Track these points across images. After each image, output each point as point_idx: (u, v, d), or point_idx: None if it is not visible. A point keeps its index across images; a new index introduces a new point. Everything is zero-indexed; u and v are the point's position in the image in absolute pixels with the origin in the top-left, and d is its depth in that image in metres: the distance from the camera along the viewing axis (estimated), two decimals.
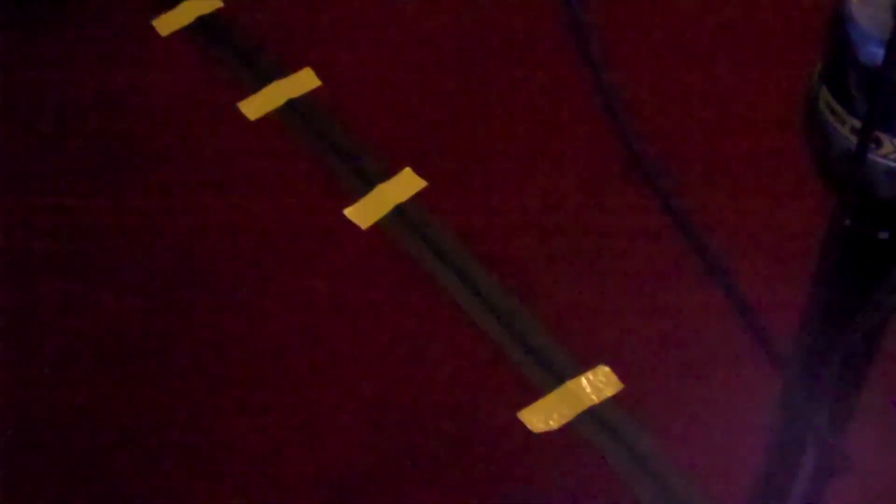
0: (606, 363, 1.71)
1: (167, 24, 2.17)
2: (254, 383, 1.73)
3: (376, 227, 1.88)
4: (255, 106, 2.04)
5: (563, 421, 1.66)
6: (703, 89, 2.05)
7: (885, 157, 0.76)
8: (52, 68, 2.13)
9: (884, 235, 0.84)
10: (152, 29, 2.17)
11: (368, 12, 2.18)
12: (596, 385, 1.69)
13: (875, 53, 0.73)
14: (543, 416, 1.66)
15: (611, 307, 1.77)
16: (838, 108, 0.78)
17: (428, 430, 1.67)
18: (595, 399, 1.68)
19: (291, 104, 2.05)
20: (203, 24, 2.17)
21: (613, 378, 1.69)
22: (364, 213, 1.90)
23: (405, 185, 1.93)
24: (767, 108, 1.98)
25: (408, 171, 1.94)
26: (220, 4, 2.19)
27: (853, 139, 0.77)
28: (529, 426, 1.66)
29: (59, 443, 1.68)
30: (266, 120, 2.03)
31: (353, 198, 1.92)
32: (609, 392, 1.68)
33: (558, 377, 1.70)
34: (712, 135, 1.98)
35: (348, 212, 1.90)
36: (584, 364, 1.71)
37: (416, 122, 2.02)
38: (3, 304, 1.82)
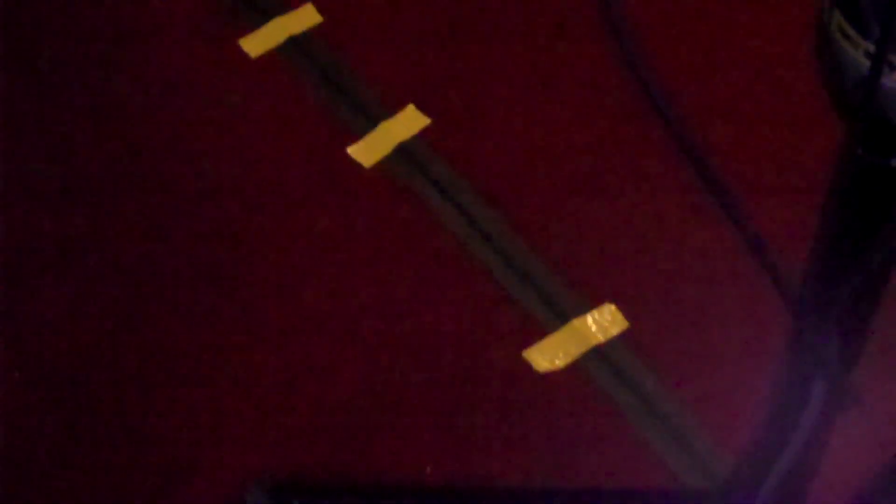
0: (613, 301, 1.69)
1: None
2: (251, 322, 1.72)
3: (380, 165, 1.86)
4: (256, 43, 2.01)
5: (569, 360, 1.65)
6: (713, 18, 2.01)
7: None
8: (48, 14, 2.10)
9: None
10: None
11: None
12: (602, 324, 1.67)
13: None
14: (548, 355, 1.65)
15: (618, 245, 1.75)
16: (851, 31, 0.76)
17: (431, 370, 1.66)
18: (601, 338, 1.66)
19: (293, 40, 2.02)
20: None
21: (619, 316, 1.68)
22: (367, 151, 1.87)
23: (409, 122, 1.90)
24: (781, 39, 1.95)
25: (411, 108, 1.92)
26: None
27: (866, 63, 0.74)
28: (534, 365, 1.65)
29: (66, 380, 1.67)
30: (267, 57, 2.00)
31: (355, 136, 1.90)
32: (615, 331, 1.67)
33: (563, 316, 1.69)
34: (723, 67, 1.95)
35: (351, 150, 1.88)
36: (590, 302, 1.70)
37: (419, 58, 1.99)
38: (5, 244, 1.81)
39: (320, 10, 2.05)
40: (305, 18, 2.04)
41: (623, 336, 1.66)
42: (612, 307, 1.68)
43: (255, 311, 1.73)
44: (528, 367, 1.65)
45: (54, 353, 1.70)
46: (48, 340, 1.72)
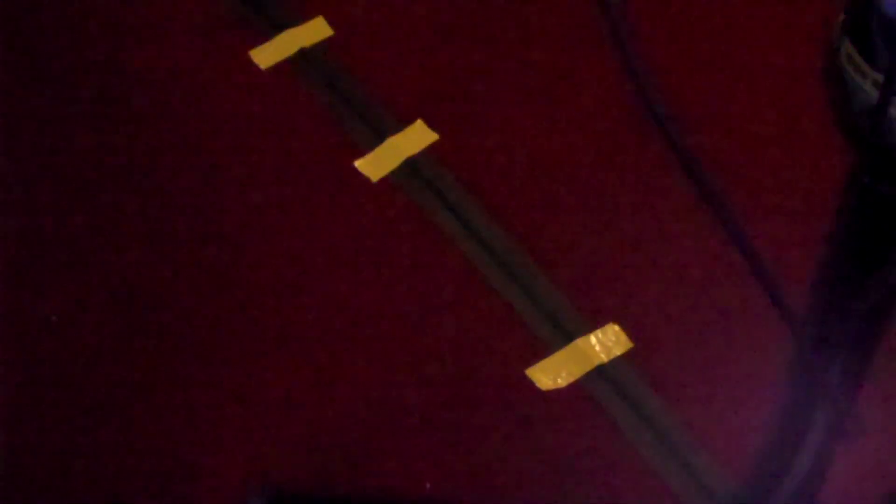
0: (616, 321, 1.69)
1: None
2: (253, 330, 1.72)
3: (387, 179, 1.86)
4: (266, 54, 2.02)
5: (571, 379, 1.65)
6: (721, 33, 2.00)
7: None
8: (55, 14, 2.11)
9: None
10: None
11: None
12: (605, 343, 1.67)
13: None
14: (551, 373, 1.65)
15: (622, 265, 1.75)
16: (860, 60, 0.76)
17: (432, 385, 1.66)
18: (604, 358, 1.66)
19: (303, 53, 2.02)
20: None
21: (623, 337, 1.68)
22: (374, 165, 1.88)
23: (417, 137, 1.90)
24: (790, 55, 1.94)
25: (420, 123, 1.92)
26: None
27: (875, 93, 0.74)
28: (537, 383, 1.64)
29: (66, 383, 1.68)
30: (277, 68, 2.01)
31: (363, 150, 1.90)
32: (618, 351, 1.67)
33: (567, 335, 1.69)
34: (729, 82, 1.94)
35: (359, 164, 1.88)
36: (594, 322, 1.70)
37: (428, 73, 1.99)
38: (12, 250, 1.81)
39: (331, 23, 2.05)
40: (316, 31, 2.04)
41: (626, 356, 1.66)
42: (616, 327, 1.68)
43: (257, 320, 1.73)
44: (530, 384, 1.65)
45: (55, 354, 1.71)
46: (49, 342, 1.72)
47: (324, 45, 2.03)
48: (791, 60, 1.92)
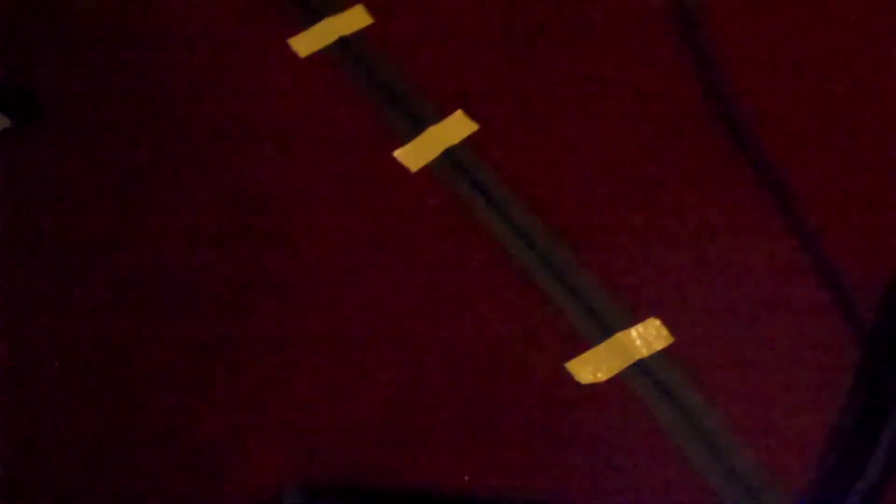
0: (657, 315, 1.68)
1: None
2: (293, 325, 1.71)
3: (426, 169, 1.85)
4: (305, 42, 2.01)
5: (612, 373, 1.63)
6: (816, 48, 1.97)
7: None
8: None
9: None
10: None
11: None
12: (646, 338, 1.66)
13: None
14: (591, 367, 1.64)
15: (666, 259, 1.73)
16: None
17: (472, 377, 1.65)
18: (644, 352, 1.65)
19: (343, 41, 2.01)
20: None
21: (664, 331, 1.66)
22: (413, 155, 1.86)
23: (456, 127, 1.89)
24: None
25: (459, 113, 1.90)
26: None
27: None
28: (577, 377, 1.63)
29: (102, 376, 1.67)
30: (317, 57, 1.99)
31: (402, 139, 1.89)
32: (659, 345, 1.65)
33: (607, 328, 1.67)
34: (821, 101, 1.91)
35: (398, 153, 1.87)
36: (635, 316, 1.68)
37: (469, 62, 1.98)
38: (50, 241, 1.81)
39: (371, 12, 2.04)
40: (356, 19, 2.03)
41: (667, 351, 1.65)
42: (658, 322, 1.67)
43: (294, 312, 1.72)
44: (570, 378, 1.63)
45: (93, 347, 1.70)
46: (87, 335, 1.71)
47: (363, 34, 2.02)
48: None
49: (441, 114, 1.91)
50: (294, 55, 2.00)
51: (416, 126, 1.90)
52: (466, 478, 1.57)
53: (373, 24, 2.03)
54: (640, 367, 1.64)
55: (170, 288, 1.75)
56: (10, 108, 1.94)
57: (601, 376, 1.63)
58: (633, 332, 1.66)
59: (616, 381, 1.63)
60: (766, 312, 1.66)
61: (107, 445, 1.62)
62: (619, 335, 1.66)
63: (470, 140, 1.88)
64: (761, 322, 1.66)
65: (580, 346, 1.66)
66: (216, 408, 1.64)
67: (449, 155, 1.86)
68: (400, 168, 1.86)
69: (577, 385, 1.63)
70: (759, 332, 1.65)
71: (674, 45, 1.95)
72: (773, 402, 1.59)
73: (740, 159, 1.81)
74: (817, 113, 1.87)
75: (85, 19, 2.08)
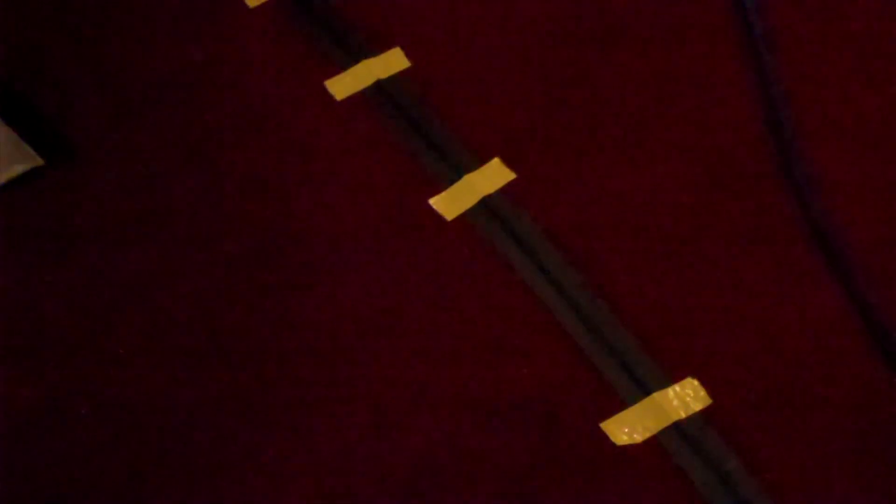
0: (695, 375, 1.64)
1: None
2: (327, 375, 1.69)
3: (461, 218, 1.83)
4: (342, 85, 1.99)
5: (647, 434, 1.60)
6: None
7: None
8: (135, 45, 2.09)
9: None
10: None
11: None
12: (683, 398, 1.62)
13: None
14: (627, 427, 1.60)
15: (706, 316, 1.70)
16: None
17: (505, 432, 1.62)
18: (682, 413, 1.61)
19: (380, 85, 1.99)
20: None
21: (702, 392, 1.63)
22: (450, 203, 1.84)
23: (493, 175, 1.86)
24: None
25: (497, 161, 1.88)
26: None
27: None
28: (612, 437, 1.60)
29: (131, 424, 1.66)
30: (353, 100, 1.98)
31: (439, 186, 1.86)
32: (697, 407, 1.62)
33: (644, 387, 1.64)
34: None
35: (434, 201, 1.84)
36: (672, 375, 1.65)
37: (507, 108, 1.95)
38: (81, 281, 1.80)
39: (408, 55, 2.02)
40: (393, 62, 2.01)
41: (705, 413, 1.61)
42: (695, 382, 1.63)
43: (328, 358, 1.70)
44: (604, 438, 1.60)
45: (121, 395, 1.69)
46: (117, 381, 1.70)
47: (400, 77, 2.00)
48: None
49: (478, 161, 1.88)
50: (331, 98, 1.98)
51: (453, 173, 1.87)
52: None
53: (410, 67, 2.01)
54: (677, 429, 1.60)
55: (200, 337, 1.73)
56: (44, 148, 1.93)
57: (637, 438, 1.60)
58: (671, 391, 1.63)
59: (652, 443, 1.60)
60: (809, 375, 1.63)
61: (131, 491, 1.60)
62: (656, 395, 1.63)
63: (507, 189, 1.85)
64: (803, 385, 1.62)
65: (616, 404, 1.63)
66: (240, 462, 1.62)
67: (485, 203, 1.84)
68: (436, 216, 1.83)
69: (613, 446, 1.59)
70: (801, 396, 1.61)
71: (728, 94, 1.93)
72: (813, 470, 1.55)
73: (788, 214, 1.78)
74: (885, 185, 1.82)
75: (120, 63, 2.07)
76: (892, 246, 1.74)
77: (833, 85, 1.93)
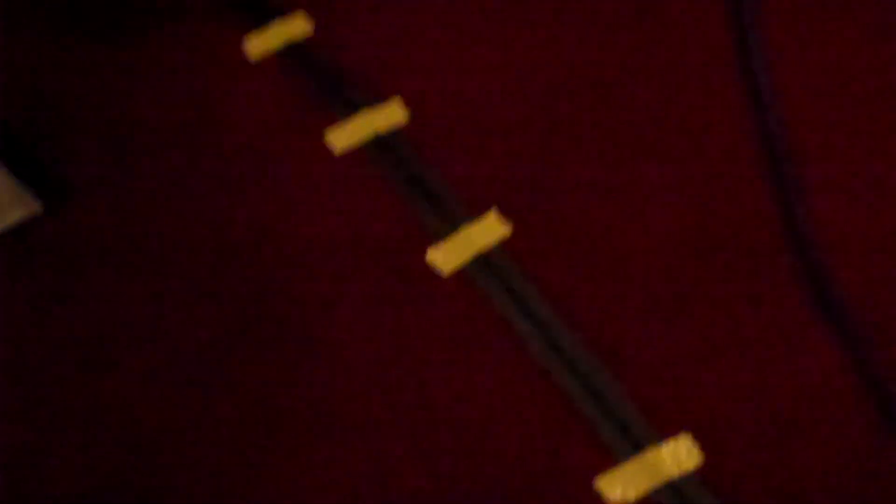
0: (689, 432, 1.64)
1: (257, 45, 2.13)
2: (316, 430, 1.69)
3: (458, 272, 1.83)
4: (342, 136, 2.00)
5: (640, 492, 1.60)
6: None
7: None
8: (137, 81, 2.11)
9: None
10: (239, 50, 2.13)
11: (462, 43, 2.12)
12: (677, 456, 1.62)
13: None
14: (620, 485, 1.60)
15: (700, 374, 1.70)
16: None
17: (497, 488, 1.62)
18: (675, 471, 1.61)
19: (378, 137, 2.00)
20: (292, 50, 2.13)
21: (696, 450, 1.63)
22: (447, 256, 1.84)
23: (490, 229, 1.87)
24: None
25: (493, 214, 1.89)
26: (310, 32, 2.15)
27: None
28: (604, 494, 1.60)
29: (129, 467, 1.65)
30: (352, 152, 1.98)
31: (436, 239, 1.87)
32: (690, 464, 1.62)
33: (637, 444, 1.64)
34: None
35: (430, 255, 1.85)
36: (666, 431, 1.65)
37: (505, 162, 1.96)
38: (80, 329, 1.80)
39: (408, 105, 2.03)
40: (392, 115, 2.02)
41: (698, 470, 1.61)
42: (688, 439, 1.63)
43: (323, 409, 1.70)
44: (598, 497, 1.60)
45: (120, 437, 1.69)
46: (116, 424, 1.70)
47: (399, 129, 2.01)
48: None
49: (475, 213, 1.89)
50: (329, 149, 1.98)
51: (450, 226, 1.88)
52: None
53: (409, 119, 2.02)
54: (671, 487, 1.60)
55: (198, 382, 1.73)
56: (42, 193, 1.93)
57: (630, 496, 1.59)
58: (664, 449, 1.63)
59: (645, 501, 1.60)
60: (801, 437, 1.63)
61: None
62: (650, 452, 1.63)
63: (504, 243, 1.86)
64: (796, 447, 1.62)
65: (609, 461, 1.63)
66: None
67: (482, 257, 1.84)
68: (432, 269, 1.84)
69: (605, 502, 1.59)
70: (795, 458, 1.61)
71: (726, 146, 1.93)
72: None
73: (785, 271, 1.78)
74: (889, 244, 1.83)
75: (121, 110, 2.08)
76: (891, 305, 1.75)
77: (837, 144, 1.94)
